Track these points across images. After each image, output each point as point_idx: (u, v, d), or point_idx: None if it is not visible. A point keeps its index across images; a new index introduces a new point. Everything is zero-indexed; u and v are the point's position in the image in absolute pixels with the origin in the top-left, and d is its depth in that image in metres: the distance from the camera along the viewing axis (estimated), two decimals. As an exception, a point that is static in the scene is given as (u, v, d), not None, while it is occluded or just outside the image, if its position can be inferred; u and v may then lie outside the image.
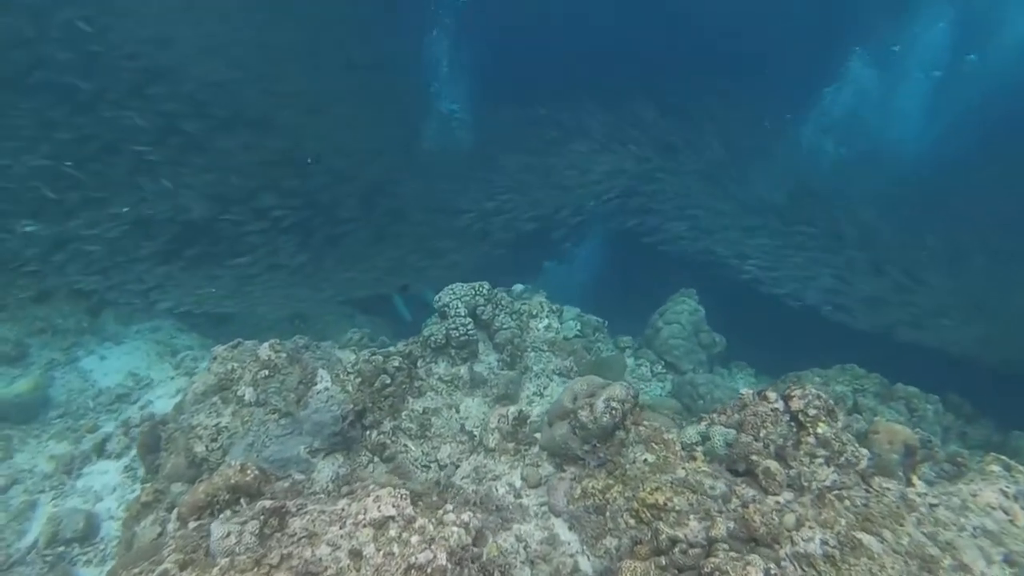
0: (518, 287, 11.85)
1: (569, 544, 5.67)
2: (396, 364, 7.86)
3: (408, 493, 5.04)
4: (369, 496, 4.97)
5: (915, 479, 6.09)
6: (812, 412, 5.94)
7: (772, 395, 6.21)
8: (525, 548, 5.59)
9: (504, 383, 8.51)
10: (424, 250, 16.87)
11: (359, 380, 7.53)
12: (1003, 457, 6.68)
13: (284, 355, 7.47)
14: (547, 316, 10.64)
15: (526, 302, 10.75)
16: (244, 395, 7.04)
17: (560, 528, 5.83)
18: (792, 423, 6.00)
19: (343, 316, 17.95)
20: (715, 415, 6.47)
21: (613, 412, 6.14)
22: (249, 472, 5.52)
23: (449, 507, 5.18)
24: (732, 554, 4.44)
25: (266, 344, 7.55)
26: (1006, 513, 5.87)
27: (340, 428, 6.90)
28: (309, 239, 14.69)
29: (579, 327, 11.62)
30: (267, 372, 7.21)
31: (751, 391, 6.43)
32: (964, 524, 5.75)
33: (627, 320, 13.97)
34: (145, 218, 12.15)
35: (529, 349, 9.90)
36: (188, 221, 12.86)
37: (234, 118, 13.70)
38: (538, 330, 10.32)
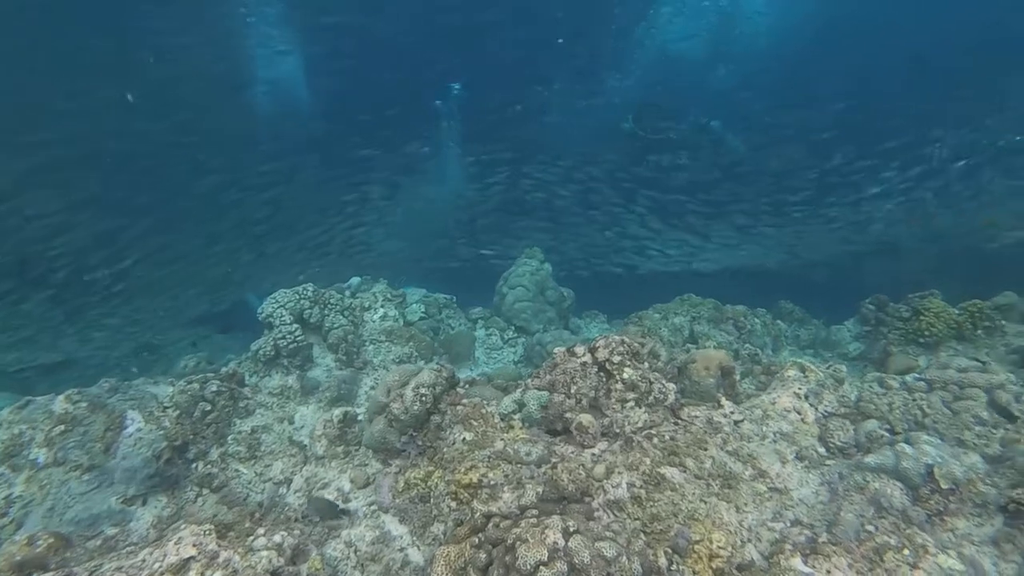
0: (355, 280, 11.59)
1: (400, 538, 5.62)
2: (215, 389, 7.51)
3: (213, 528, 4.82)
4: (171, 540, 4.73)
5: (723, 400, 6.39)
6: (617, 359, 6.10)
7: (579, 349, 6.34)
8: (355, 552, 5.50)
9: (336, 384, 8.33)
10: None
11: (177, 413, 7.14)
12: (800, 361, 7.15)
13: (84, 404, 6.95)
14: (382, 306, 10.49)
15: (359, 296, 10.54)
16: (38, 457, 6.52)
17: (391, 524, 5.77)
18: (601, 373, 6.16)
19: (198, 339, 17.08)
20: (529, 379, 6.55)
21: (423, 399, 6.10)
22: (41, 542, 5.13)
23: (261, 531, 5.01)
24: (532, 520, 4.50)
25: (61, 396, 7.00)
26: (799, 413, 6.30)
27: (156, 468, 6.54)
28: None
29: (424, 309, 11.54)
30: (64, 427, 6.67)
31: (563, 349, 6.54)
32: (765, 432, 6.12)
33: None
34: None
35: (367, 343, 9.73)
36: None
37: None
38: (374, 322, 10.16)
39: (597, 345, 6.21)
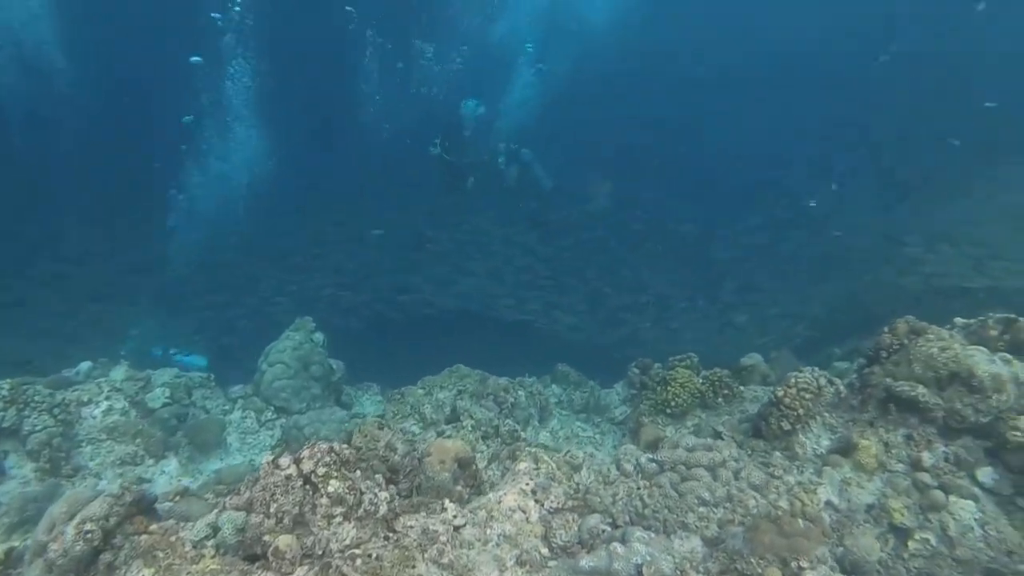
0: (84, 365, 10.24)
1: None
2: None
3: None
4: None
5: (447, 502, 6.03)
6: (323, 470, 5.56)
7: (284, 461, 5.73)
8: None
9: (20, 505, 7.08)
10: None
11: None
12: (533, 449, 6.99)
13: None
14: (107, 397, 9.28)
15: (80, 387, 9.27)
16: None
17: None
18: (307, 486, 5.59)
19: None
20: (228, 498, 5.84)
21: (88, 536, 5.22)
22: None
23: None
24: None
25: None
26: (523, 512, 6.04)
27: None
28: None
29: (169, 393, 10.42)
30: None
31: (271, 459, 5.91)
32: (489, 536, 5.76)
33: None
34: None
35: (84, 444, 8.52)
36: None
37: None
38: (94, 418, 8.94)
39: (302, 456, 5.66)
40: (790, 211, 19.42)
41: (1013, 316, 7.07)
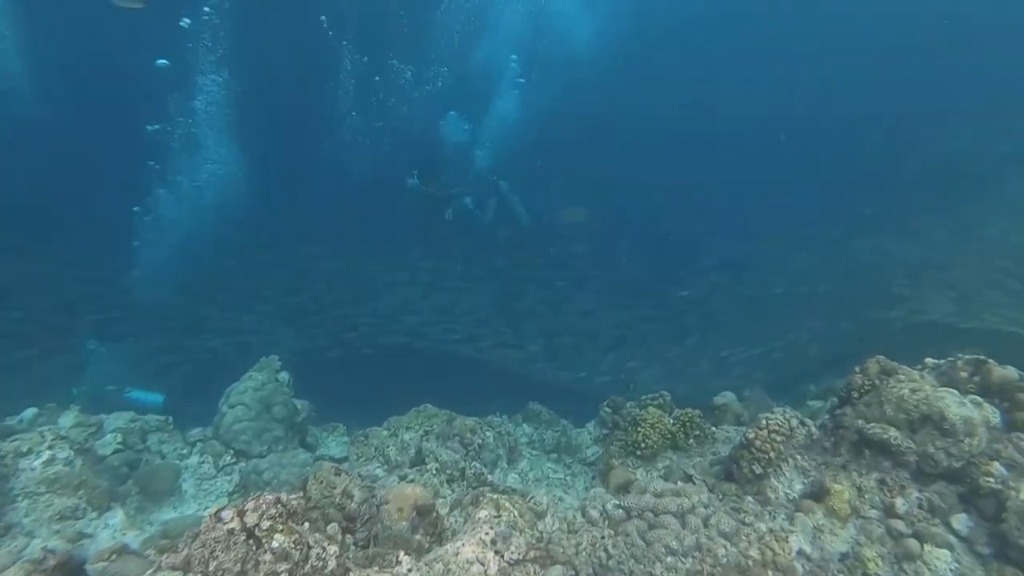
0: (29, 412, 9.79)
1: None
2: None
3: None
4: None
5: (402, 555, 5.70)
6: (267, 523, 5.22)
7: (226, 514, 5.37)
8: None
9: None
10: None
11: None
12: (495, 496, 6.68)
13: None
14: (50, 446, 8.82)
15: (20, 437, 8.80)
16: None
17: None
18: (250, 541, 5.25)
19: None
20: (165, 556, 5.46)
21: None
22: None
23: None
24: None
25: None
26: (482, 564, 5.70)
27: None
28: None
29: (120, 439, 9.97)
30: None
31: (213, 511, 5.55)
32: (445, 593, 5.46)
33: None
34: None
35: (20, 498, 8.05)
36: None
37: None
38: (33, 469, 8.47)
39: (246, 508, 5.31)
40: (748, 252, 19.48)
41: (982, 357, 6.93)
